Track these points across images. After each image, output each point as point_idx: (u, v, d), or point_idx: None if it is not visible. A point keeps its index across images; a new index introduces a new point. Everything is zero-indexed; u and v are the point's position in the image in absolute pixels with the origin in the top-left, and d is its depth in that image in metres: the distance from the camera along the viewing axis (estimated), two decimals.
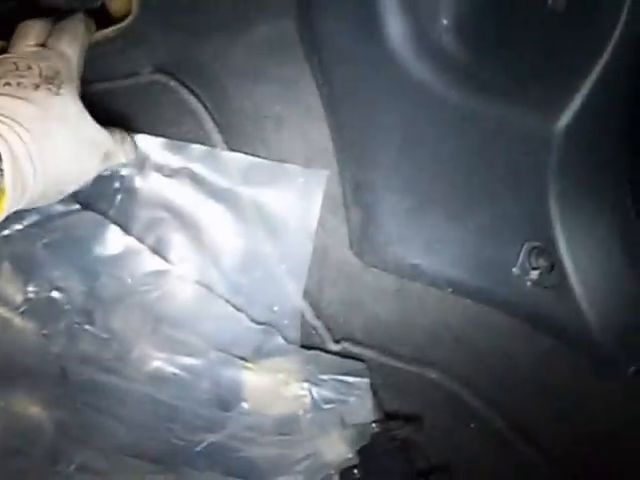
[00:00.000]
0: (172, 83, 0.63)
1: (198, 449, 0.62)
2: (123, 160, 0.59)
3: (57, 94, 0.52)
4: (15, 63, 0.53)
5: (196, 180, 0.63)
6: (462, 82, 0.56)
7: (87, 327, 0.61)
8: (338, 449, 0.62)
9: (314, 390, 0.60)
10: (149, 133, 0.63)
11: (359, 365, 0.61)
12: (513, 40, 0.56)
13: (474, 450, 0.66)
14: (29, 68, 0.52)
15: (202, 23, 0.64)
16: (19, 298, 0.61)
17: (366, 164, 0.62)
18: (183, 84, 0.63)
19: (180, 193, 0.63)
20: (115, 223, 0.62)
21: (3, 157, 0.47)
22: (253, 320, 0.62)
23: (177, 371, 0.61)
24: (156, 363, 0.61)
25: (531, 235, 0.56)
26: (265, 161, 0.63)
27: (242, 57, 0.64)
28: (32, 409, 0.61)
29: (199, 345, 0.61)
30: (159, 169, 0.63)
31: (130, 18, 0.62)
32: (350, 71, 0.61)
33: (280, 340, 0.62)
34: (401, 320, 0.62)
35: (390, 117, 0.60)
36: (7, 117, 0.49)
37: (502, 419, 0.64)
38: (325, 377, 0.60)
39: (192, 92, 0.63)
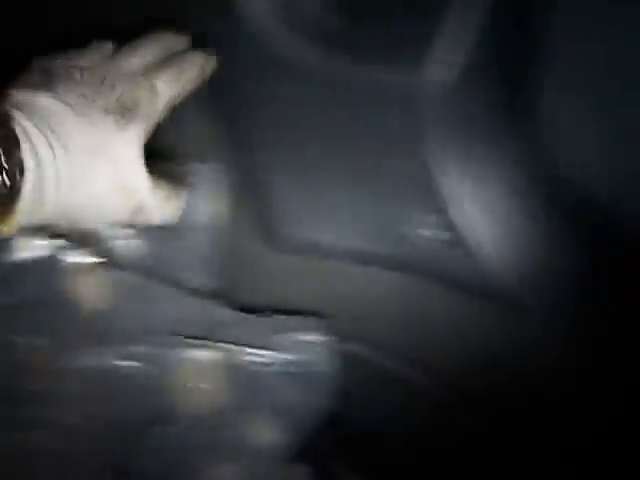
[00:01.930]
0: None
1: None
2: (156, 221, 0.57)
3: (121, 129, 0.50)
4: (104, 76, 0.51)
5: None
6: (331, 50, 0.56)
7: None
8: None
9: None
10: None
11: None
12: None
13: (404, 413, 0.68)
14: (112, 88, 0.50)
15: None
16: None
17: (259, 151, 0.63)
18: None
19: None
20: None
21: (26, 166, 0.45)
22: None
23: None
24: None
25: (421, 195, 0.58)
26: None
27: None
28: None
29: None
30: None
31: None
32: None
33: None
34: (320, 297, 0.65)
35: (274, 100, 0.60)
36: (53, 131, 0.48)
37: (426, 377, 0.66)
38: None
39: None
